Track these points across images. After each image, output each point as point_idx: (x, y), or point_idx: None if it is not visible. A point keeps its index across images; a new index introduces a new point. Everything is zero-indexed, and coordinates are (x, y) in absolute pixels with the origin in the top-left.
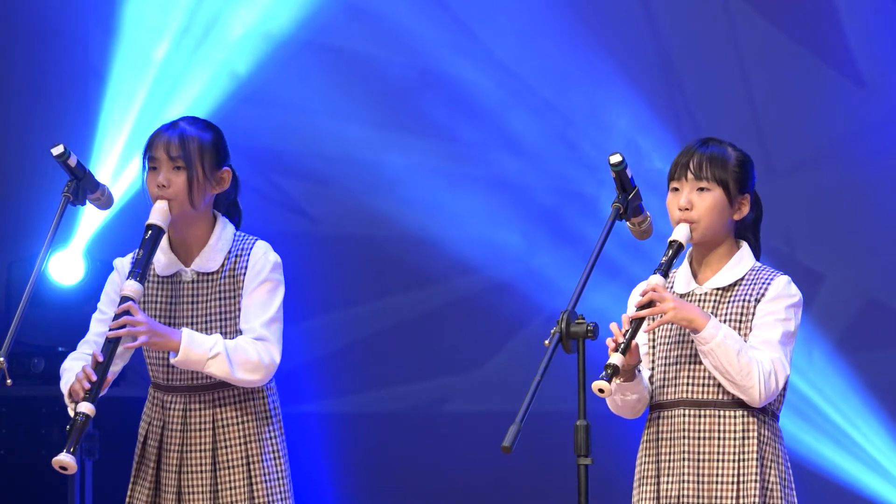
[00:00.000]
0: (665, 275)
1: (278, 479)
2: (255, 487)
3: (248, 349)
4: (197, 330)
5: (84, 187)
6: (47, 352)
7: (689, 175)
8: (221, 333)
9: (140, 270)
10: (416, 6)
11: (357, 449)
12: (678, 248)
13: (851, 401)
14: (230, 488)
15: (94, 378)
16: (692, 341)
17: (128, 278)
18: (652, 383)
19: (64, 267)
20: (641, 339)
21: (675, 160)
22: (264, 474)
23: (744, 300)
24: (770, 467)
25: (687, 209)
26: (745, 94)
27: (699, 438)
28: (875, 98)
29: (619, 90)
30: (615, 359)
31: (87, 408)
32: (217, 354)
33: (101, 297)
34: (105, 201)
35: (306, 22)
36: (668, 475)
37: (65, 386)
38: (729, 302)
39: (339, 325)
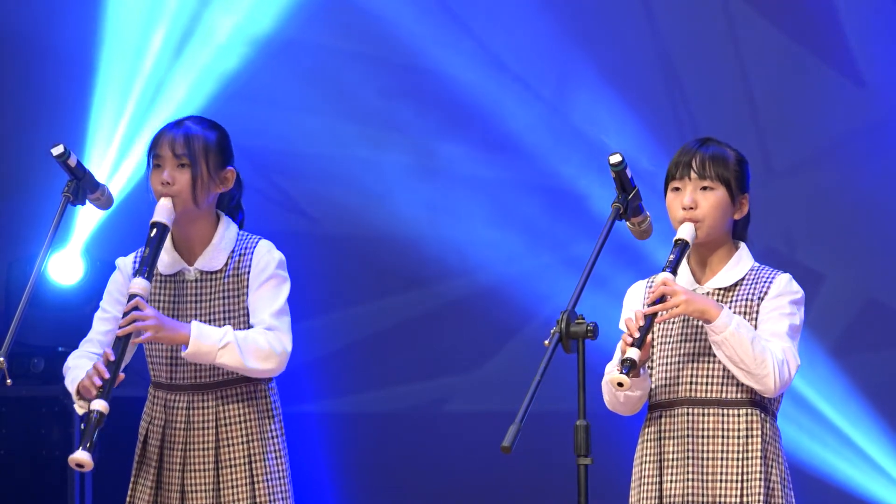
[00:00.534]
0: (674, 272)
1: (279, 477)
2: (256, 486)
3: (258, 338)
4: None
5: (84, 187)
6: (47, 352)
7: (692, 174)
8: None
9: (147, 268)
10: (415, 6)
11: (357, 449)
12: (684, 246)
13: (850, 401)
14: (232, 486)
15: (106, 375)
16: (694, 340)
17: (134, 276)
18: (652, 383)
19: (63, 267)
20: None
21: (674, 160)
22: (266, 473)
23: (747, 299)
24: (772, 466)
25: (692, 208)
26: (745, 94)
27: (703, 437)
28: (875, 98)
29: (619, 90)
30: (632, 353)
31: (100, 405)
32: (227, 344)
33: (103, 296)
34: (105, 201)
35: (305, 21)
36: (672, 474)
37: (71, 384)
38: (731, 302)
39: (339, 326)
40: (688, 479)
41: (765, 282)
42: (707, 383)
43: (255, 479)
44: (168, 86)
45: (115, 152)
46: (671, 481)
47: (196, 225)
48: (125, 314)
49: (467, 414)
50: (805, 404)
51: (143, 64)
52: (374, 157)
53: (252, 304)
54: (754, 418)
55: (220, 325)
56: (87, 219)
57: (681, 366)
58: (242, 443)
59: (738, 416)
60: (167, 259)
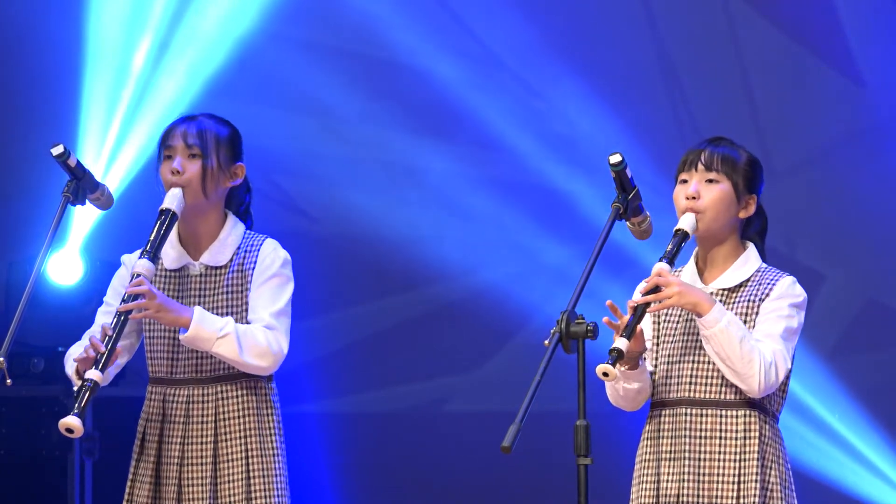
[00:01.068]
0: (670, 262)
1: (276, 474)
2: (252, 482)
3: (257, 334)
4: None
5: (84, 187)
6: (47, 352)
7: (700, 166)
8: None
9: (152, 250)
10: (410, 5)
11: (357, 449)
12: (683, 236)
13: (849, 402)
14: (229, 481)
15: (102, 349)
16: (695, 338)
17: (140, 258)
18: (654, 380)
19: (63, 267)
20: (646, 334)
21: (684, 156)
22: (262, 469)
23: (749, 300)
24: (770, 468)
25: (694, 198)
26: (745, 94)
27: (700, 437)
28: (875, 98)
29: (619, 90)
30: (620, 343)
31: (95, 374)
32: (227, 335)
33: (107, 290)
34: (105, 201)
35: (301, 20)
36: (669, 473)
37: (71, 368)
38: (735, 302)
39: (339, 326)
40: (684, 479)
41: (768, 283)
42: (706, 383)
43: (252, 474)
44: (157, 84)
45: (108, 151)
46: (667, 480)
47: (204, 219)
48: (128, 292)
49: (467, 414)
50: (803, 405)
51: (132, 62)
52: (375, 157)
53: (253, 301)
54: (752, 419)
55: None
56: (83, 218)
57: (681, 365)
58: (240, 438)
59: (736, 416)
60: (173, 254)
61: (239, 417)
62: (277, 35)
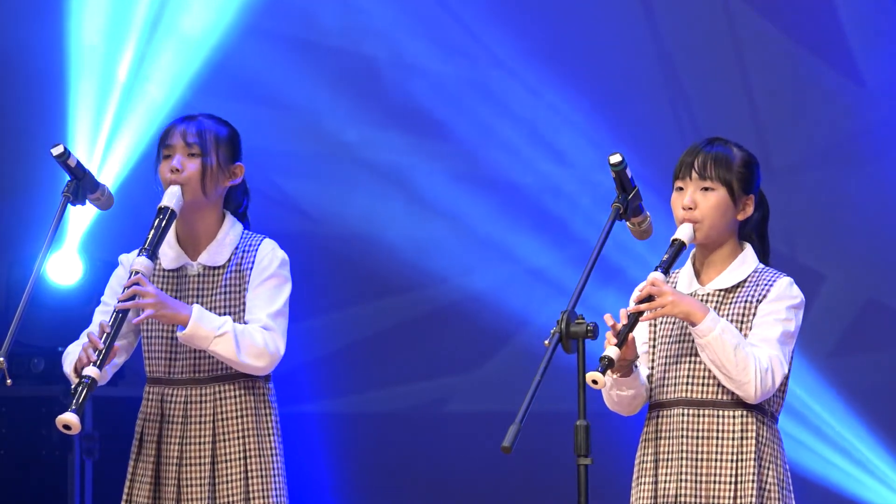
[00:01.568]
0: (666, 272)
1: (274, 475)
2: (251, 482)
3: (255, 335)
4: None
5: (84, 187)
6: (47, 352)
7: (694, 174)
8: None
9: (150, 248)
10: (410, 4)
11: (357, 449)
12: (680, 246)
13: (848, 403)
14: (227, 481)
15: (100, 346)
16: (691, 340)
17: (138, 255)
18: (651, 382)
19: (62, 267)
20: (642, 337)
21: (680, 159)
22: (260, 470)
23: (746, 301)
24: (768, 468)
25: (691, 209)
26: (746, 94)
27: (697, 438)
28: (875, 98)
29: (618, 90)
30: (610, 351)
31: (92, 371)
32: (224, 333)
33: (105, 290)
34: (105, 201)
35: (299, 19)
36: (666, 474)
37: (69, 366)
38: (732, 303)
39: (338, 326)
40: (681, 480)
41: (766, 284)
42: (703, 384)
43: (250, 475)
44: (149, 81)
45: (101, 147)
46: (665, 481)
47: (202, 218)
48: (126, 289)
49: (467, 414)
50: (801, 406)
51: (121, 58)
52: (375, 158)
53: (250, 301)
54: (749, 420)
55: None
56: (80, 218)
57: (678, 366)
58: (238, 438)
59: (733, 417)
60: (171, 254)
61: (237, 418)
62: (275, 35)
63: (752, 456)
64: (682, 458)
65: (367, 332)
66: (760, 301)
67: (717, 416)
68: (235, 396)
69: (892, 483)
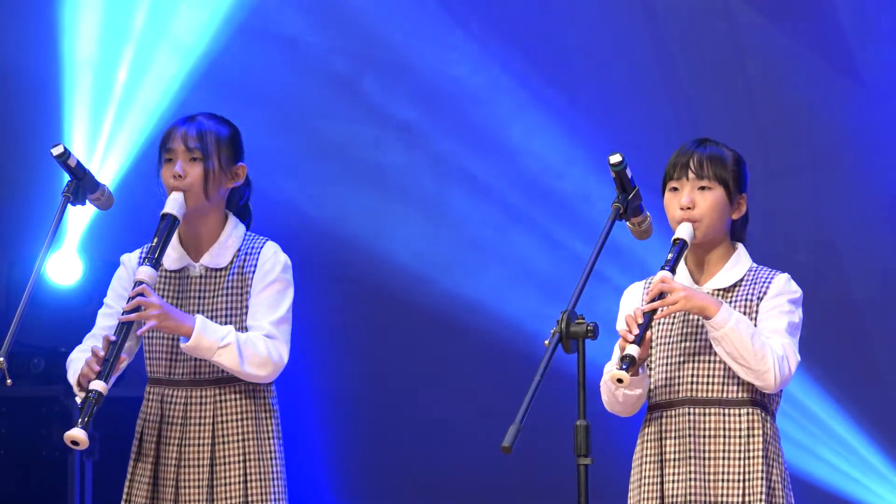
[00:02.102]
0: (672, 272)
1: (273, 477)
2: (249, 484)
3: (258, 344)
4: None
5: (84, 187)
6: (47, 352)
7: (690, 174)
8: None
9: (154, 257)
10: (412, 4)
11: (357, 449)
12: (683, 245)
13: (841, 404)
14: (226, 484)
15: (101, 355)
16: (695, 339)
17: (141, 264)
18: (651, 383)
19: (62, 267)
20: None
21: (671, 160)
22: (259, 473)
23: (746, 299)
24: (773, 465)
25: (689, 208)
26: (746, 94)
27: (704, 437)
28: (875, 98)
29: (618, 91)
30: (631, 349)
31: (99, 385)
32: (228, 345)
33: (107, 291)
34: (105, 201)
35: (295, 18)
36: (673, 474)
37: (73, 376)
38: (731, 302)
39: (339, 325)
40: (690, 479)
41: (764, 282)
42: (708, 383)
43: (249, 477)
44: (146, 79)
45: (101, 148)
46: (673, 481)
47: (205, 221)
48: (129, 300)
49: (467, 414)
50: (799, 407)
51: (121, 58)
52: (376, 157)
53: (253, 307)
54: (755, 417)
55: (222, 322)
56: (78, 217)
57: (681, 365)
58: (238, 441)
59: (740, 415)
60: (173, 255)
61: (237, 420)
62: (273, 34)
63: (760, 453)
64: (689, 458)
65: (367, 331)
66: (761, 299)
67: (724, 415)
68: (236, 399)
69: (888, 482)
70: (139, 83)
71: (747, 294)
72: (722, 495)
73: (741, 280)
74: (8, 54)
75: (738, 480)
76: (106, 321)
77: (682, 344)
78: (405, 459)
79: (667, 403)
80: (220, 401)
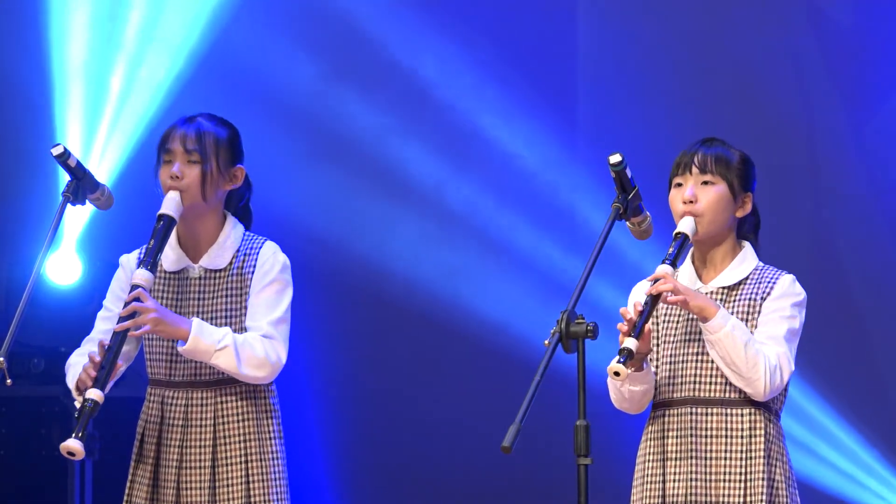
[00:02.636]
0: (673, 265)
1: (275, 478)
2: (252, 485)
3: (255, 345)
4: None
5: (84, 187)
6: (47, 352)
7: (694, 169)
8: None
9: (151, 259)
10: (415, 21)
11: (357, 449)
12: (684, 239)
13: (845, 406)
14: (228, 485)
15: (97, 360)
16: (698, 339)
17: (138, 267)
18: (656, 381)
19: (61, 267)
20: None
21: (677, 159)
22: (262, 473)
23: (750, 299)
24: (776, 465)
25: (692, 202)
26: (746, 93)
27: (706, 436)
28: (875, 99)
29: (618, 91)
30: (629, 342)
31: (95, 394)
32: (225, 347)
33: (107, 294)
34: (105, 201)
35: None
36: (675, 474)
37: (72, 380)
38: (734, 301)
39: (339, 325)
40: (691, 479)
41: (768, 282)
42: (710, 382)
43: (251, 478)
44: (145, 77)
45: (99, 146)
46: (674, 480)
47: (203, 222)
48: (126, 304)
49: (467, 414)
50: (798, 408)
51: (117, 58)
52: (375, 156)
53: (251, 307)
54: (757, 418)
55: (221, 324)
56: (77, 217)
57: (684, 364)
58: (239, 441)
59: (742, 415)
60: (172, 256)
61: (238, 421)
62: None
63: (762, 454)
64: (690, 457)
65: (367, 331)
66: (764, 298)
67: (726, 415)
68: (236, 400)
69: (887, 483)
70: (139, 82)
71: (751, 293)
72: (723, 495)
73: (746, 278)
74: (6, 54)
75: (739, 481)
76: (104, 324)
77: (686, 343)
78: (405, 459)
79: (670, 402)
80: (221, 402)
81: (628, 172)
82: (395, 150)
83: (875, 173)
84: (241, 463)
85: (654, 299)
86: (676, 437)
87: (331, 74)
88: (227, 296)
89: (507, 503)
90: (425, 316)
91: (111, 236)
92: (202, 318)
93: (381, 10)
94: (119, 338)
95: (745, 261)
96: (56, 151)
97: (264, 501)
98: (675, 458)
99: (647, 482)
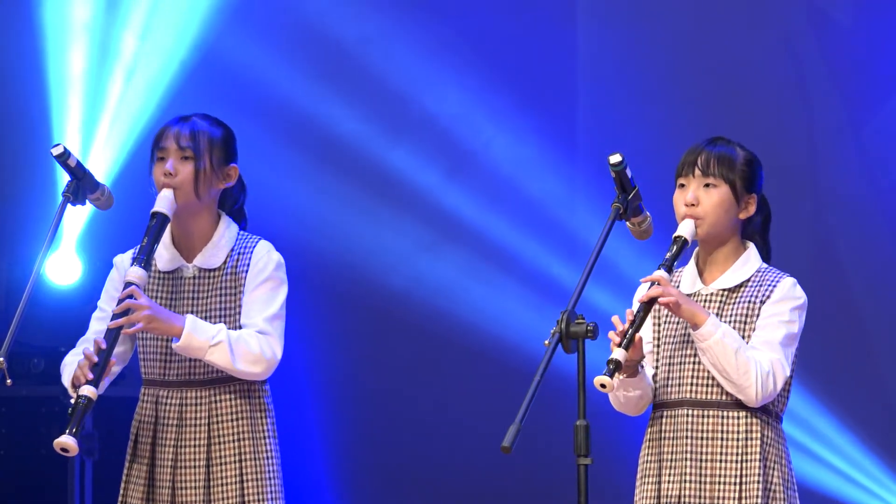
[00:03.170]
0: (669, 270)
1: (270, 477)
2: (246, 484)
3: (250, 341)
4: None
5: (84, 187)
6: (47, 352)
7: (697, 171)
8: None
9: (144, 257)
10: (409, 33)
11: (357, 449)
12: (683, 243)
13: (845, 408)
14: (222, 484)
15: (95, 359)
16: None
17: (132, 265)
18: (655, 382)
19: (61, 267)
20: (646, 336)
21: (682, 158)
22: (256, 472)
23: (749, 301)
24: (773, 468)
25: (693, 205)
26: (746, 93)
27: (702, 438)
28: (875, 98)
29: (618, 91)
30: (618, 354)
31: (88, 391)
32: (219, 343)
33: (101, 294)
34: (105, 201)
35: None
36: (670, 475)
37: (67, 379)
38: (735, 303)
39: (338, 325)
40: (685, 480)
41: (769, 285)
42: (707, 385)
43: (245, 478)
44: (142, 74)
45: (99, 145)
46: (669, 482)
47: (197, 220)
48: (120, 301)
49: (467, 414)
50: (798, 410)
51: (130, 63)
52: (375, 156)
53: (246, 305)
54: (754, 420)
55: (215, 323)
56: (76, 217)
57: (682, 367)
58: (234, 441)
59: (738, 418)
60: (166, 255)
61: (232, 420)
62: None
63: (757, 457)
64: (686, 459)
65: (367, 331)
66: (764, 301)
67: (722, 417)
68: (231, 399)
69: (887, 487)
70: (137, 81)
71: (751, 295)
72: (718, 497)
73: (747, 280)
74: (4, 55)
75: (735, 483)
76: (99, 325)
77: (683, 345)
78: (405, 459)
79: (667, 403)
80: (215, 401)
81: (628, 172)
82: (395, 150)
83: (875, 173)
84: (235, 462)
85: (646, 306)
86: (673, 438)
87: (330, 79)
88: (221, 295)
89: (507, 503)
90: (425, 315)
91: (111, 236)
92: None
93: (378, 16)
94: (113, 335)
95: (748, 263)
96: (56, 151)
97: (258, 500)
98: (671, 460)
99: (644, 483)
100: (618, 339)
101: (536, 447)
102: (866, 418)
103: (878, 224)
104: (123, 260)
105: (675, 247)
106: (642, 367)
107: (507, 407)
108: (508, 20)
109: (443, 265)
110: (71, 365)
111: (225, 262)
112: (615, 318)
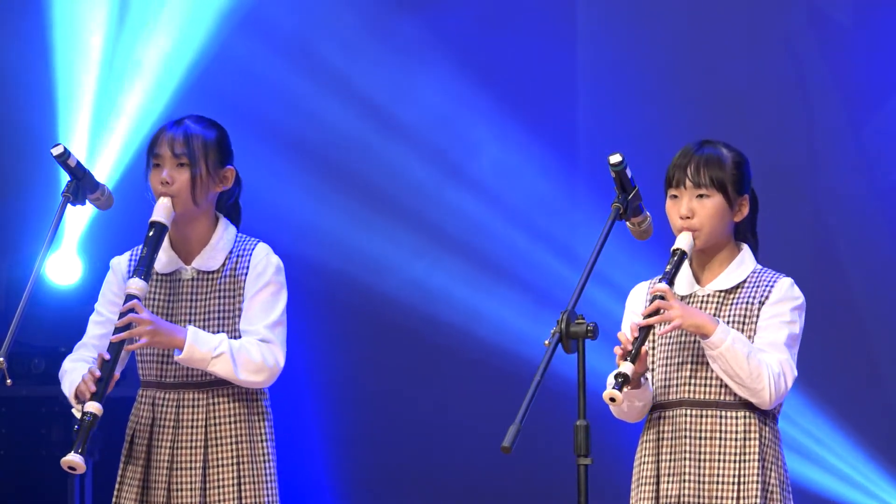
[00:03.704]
0: (670, 283)
1: (267, 480)
2: (243, 488)
3: (252, 350)
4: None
5: (84, 187)
6: (47, 352)
7: (688, 183)
8: (221, 332)
9: (144, 268)
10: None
11: (357, 449)
12: (682, 256)
13: (845, 409)
14: (219, 486)
15: (98, 375)
16: (693, 342)
17: (132, 276)
18: (652, 384)
19: (61, 267)
20: None
21: (672, 163)
22: (253, 475)
23: (747, 302)
24: (771, 469)
25: (688, 217)
26: (746, 93)
27: (700, 439)
28: (875, 98)
29: (618, 91)
30: (625, 367)
31: (94, 407)
32: (221, 354)
33: (98, 298)
34: (105, 201)
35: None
36: (669, 475)
37: (69, 388)
38: (732, 304)
39: (339, 327)
40: (684, 480)
41: (766, 286)
42: (705, 385)
43: (242, 480)
44: (140, 79)
45: (99, 145)
46: (667, 482)
47: (195, 224)
48: (121, 315)
49: (467, 414)
50: (798, 410)
51: (135, 63)
52: (376, 155)
53: (246, 311)
54: (752, 421)
55: (214, 326)
56: (77, 218)
57: (680, 367)
58: (231, 443)
59: (736, 418)
60: (164, 258)
61: (229, 423)
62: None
63: (756, 457)
64: (684, 459)
65: (367, 331)
66: (762, 303)
67: (721, 417)
68: (228, 402)
69: (883, 489)
70: (137, 79)
71: (748, 297)
72: (716, 497)
73: (743, 282)
74: (7, 54)
75: (733, 483)
76: (96, 329)
77: (681, 346)
78: (405, 459)
79: (665, 404)
80: (213, 403)
81: (628, 172)
82: (395, 149)
83: (875, 173)
84: (232, 465)
85: (650, 318)
86: (671, 438)
87: (329, 87)
88: (219, 297)
89: (507, 503)
90: (425, 316)
91: (111, 237)
92: (195, 320)
93: (375, 22)
94: (117, 348)
95: (743, 264)
96: (56, 151)
97: (255, 503)
98: (670, 460)
99: (641, 483)
100: (622, 353)
101: (536, 447)
102: (866, 419)
103: (878, 224)
104: (120, 262)
105: (674, 259)
106: (645, 378)
107: (507, 407)
108: (508, 21)
109: (444, 265)
110: (70, 372)
111: (223, 265)
112: (621, 335)
